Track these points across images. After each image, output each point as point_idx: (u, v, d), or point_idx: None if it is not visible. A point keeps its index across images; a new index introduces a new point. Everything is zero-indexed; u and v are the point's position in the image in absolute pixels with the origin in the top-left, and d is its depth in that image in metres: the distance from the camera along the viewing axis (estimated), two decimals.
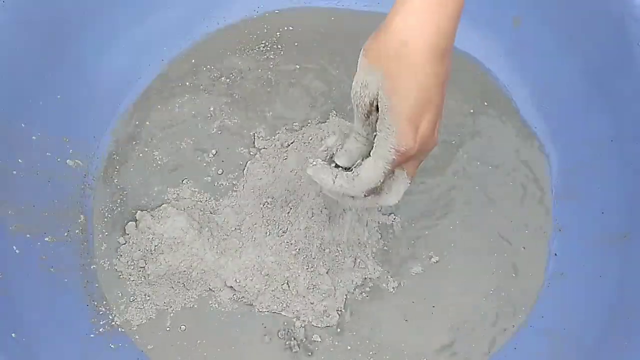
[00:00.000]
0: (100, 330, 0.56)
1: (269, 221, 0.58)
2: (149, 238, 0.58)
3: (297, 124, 0.64)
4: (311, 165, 0.46)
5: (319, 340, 0.56)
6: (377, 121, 0.43)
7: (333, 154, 0.47)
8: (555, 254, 0.60)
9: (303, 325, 0.57)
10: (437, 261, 0.59)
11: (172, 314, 0.57)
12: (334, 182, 0.45)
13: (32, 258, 0.55)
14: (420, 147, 0.43)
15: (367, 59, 0.41)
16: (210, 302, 0.57)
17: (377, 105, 0.43)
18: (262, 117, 0.64)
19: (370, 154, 0.44)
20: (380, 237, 0.59)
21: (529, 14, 0.63)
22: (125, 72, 0.65)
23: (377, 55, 0.41)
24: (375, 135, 0.43)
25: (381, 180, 0.44)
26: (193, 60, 0.67)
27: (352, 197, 0.47)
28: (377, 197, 0.47)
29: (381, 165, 0.43)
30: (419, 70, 0.40)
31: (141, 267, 0.57)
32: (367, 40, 0.42)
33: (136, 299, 0.57)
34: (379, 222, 0.60)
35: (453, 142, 0.63)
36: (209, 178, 0.62)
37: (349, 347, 0.56)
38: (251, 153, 0.63)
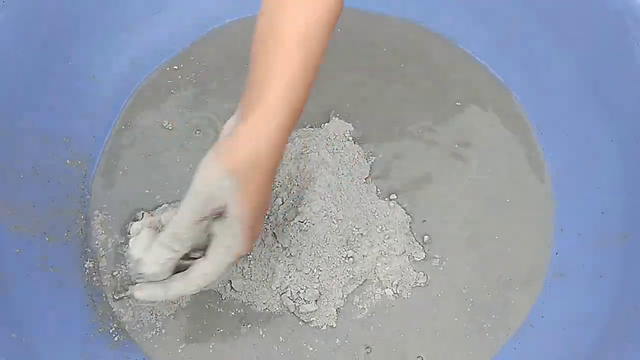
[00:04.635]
0: (100, 330, 0.56)
1: (270, 221, 0.58)
2: None
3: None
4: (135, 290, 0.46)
5: (319, 339, 0.56)
6: (205, 227, 0.44)
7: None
8: (556, 254, 0.60)
9: (304, 325, 0.57)
10: (436, 262, 0.59)
11: (172, 314, 0.57)
12: (165, 294, 0.45)
13: (32, 258, 0.55)
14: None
15: (222, 165, 0.42)
16: (210, 302, 0.57)
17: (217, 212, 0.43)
18: None
19: (206, 256, 0.44)
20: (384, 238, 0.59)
21: (529, 13, 0.63)
22: (125, 72, 0.65)
23: (234, 162, 0.41)
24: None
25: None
26: (193, 60, 0.67)
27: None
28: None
29: (219, 270, 0.44)
30: (262, 185, 0.43)
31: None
32: (216, 146, 0.43)
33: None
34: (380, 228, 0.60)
35: (449, 142, 0.63)
36: None
37: (347, 346, 0.56)
38: None
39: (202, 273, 0.45)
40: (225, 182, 0.41)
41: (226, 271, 0.45)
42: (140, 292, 0.46)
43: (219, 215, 0.43)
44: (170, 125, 0.64)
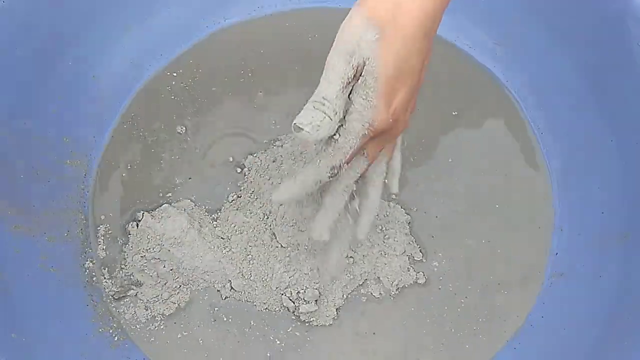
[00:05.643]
0: (100, 330, 0.56)
1: (270, 221, 0.58)
2: (149, 238, 0.58)
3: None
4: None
5: (319, 339, 0.56)
6: (351, 91, 0.38)
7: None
8: (556, 254, 0.60)
9: (304, 325, 0.57)
10: (436, 262, 0.59)
11: (172, 314, 0.57)
12: (294, 183, 0.42)
13: (32, 258, 0.55)
14: (392, 124, 0.39)
15: (364, 13, 0.36)
16: (210, 302, 0.57)
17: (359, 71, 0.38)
18: (263, 115, 0.64)
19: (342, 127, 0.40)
20: (384, 239, 0.59)
21: (529, 13, 0.63)
22: (125, 72, 0.65)
23: (375, 7, 0.37)
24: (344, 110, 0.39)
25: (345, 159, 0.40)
26: (193, 61, 0.67)
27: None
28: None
29: (351, 142, 0.39)
30: (406, 39, 0.37)
31: (142, 267, 0.57)
32: None
33: (136, 298, 0.57)
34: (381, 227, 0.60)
35: (448, 142, 0.63)
36: (210, 177, 0.62)
37: (347, 346, 0.56)
38: (253, 154, 0.63)
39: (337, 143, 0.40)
40: (368, 32, 0.36)
41: (359, 144, 0.39)
42: (278, 195, 0.43)
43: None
44: (170, 125, 0.64)
